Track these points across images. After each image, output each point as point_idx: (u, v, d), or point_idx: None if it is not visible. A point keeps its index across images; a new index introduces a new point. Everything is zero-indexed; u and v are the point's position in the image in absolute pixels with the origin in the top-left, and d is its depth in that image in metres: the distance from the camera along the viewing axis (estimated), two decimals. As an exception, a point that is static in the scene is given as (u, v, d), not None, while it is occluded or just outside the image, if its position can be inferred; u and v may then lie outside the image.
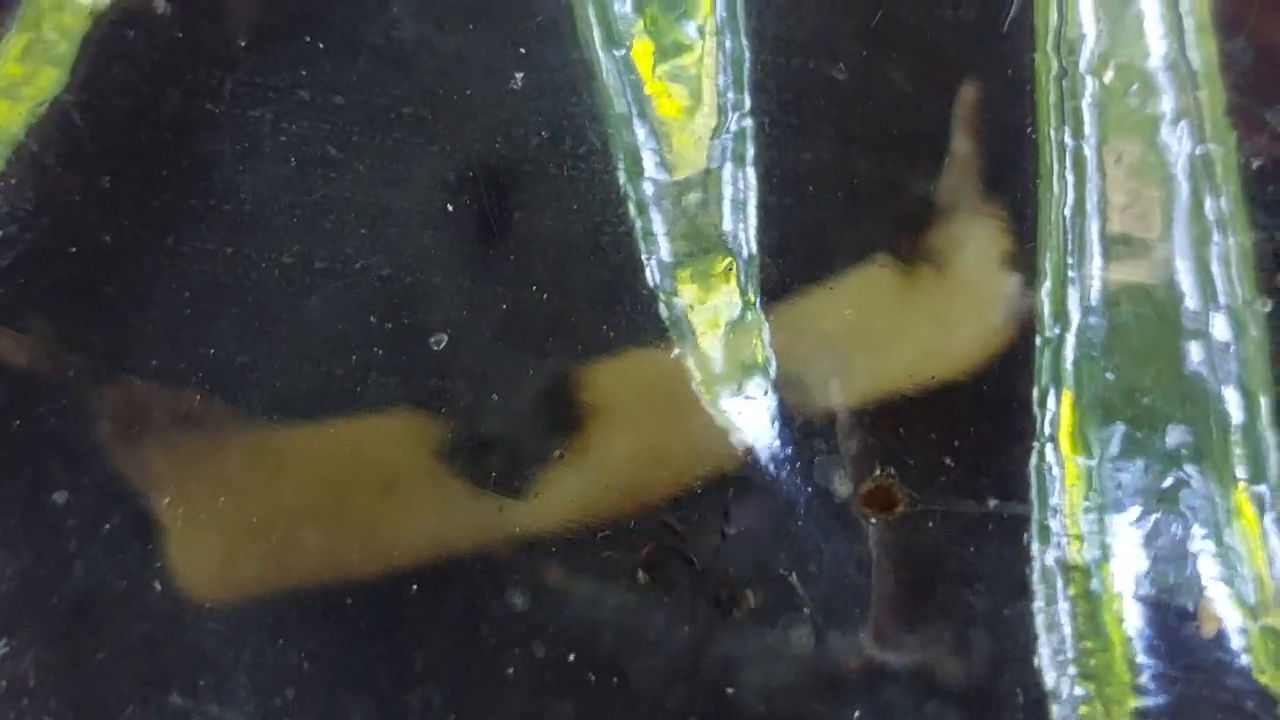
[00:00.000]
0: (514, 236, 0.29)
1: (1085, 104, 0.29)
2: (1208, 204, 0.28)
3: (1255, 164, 0.28)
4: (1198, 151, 0.28)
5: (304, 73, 0.29)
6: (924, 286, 0.29)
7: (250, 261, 0.28)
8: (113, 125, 0.28)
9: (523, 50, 0.29)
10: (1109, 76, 0.29)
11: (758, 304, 0.29)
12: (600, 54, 0.29)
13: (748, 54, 0.29)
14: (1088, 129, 0.29)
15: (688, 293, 0.28)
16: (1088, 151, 0.29)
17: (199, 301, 0.28)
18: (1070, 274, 0.28)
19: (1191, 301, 0.27)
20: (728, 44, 0.29)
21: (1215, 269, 0.27)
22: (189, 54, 0.29)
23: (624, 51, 0.29)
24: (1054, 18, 0.29)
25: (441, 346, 0.28)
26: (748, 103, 0.29)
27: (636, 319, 0.28)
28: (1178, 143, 0.28)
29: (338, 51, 0.29)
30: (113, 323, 0.28)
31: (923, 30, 0.29)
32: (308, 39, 0.29)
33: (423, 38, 0.29)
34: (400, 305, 0.28)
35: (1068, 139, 0.29)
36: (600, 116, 0.29)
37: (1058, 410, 0.27)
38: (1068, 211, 0.28)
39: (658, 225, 0.29)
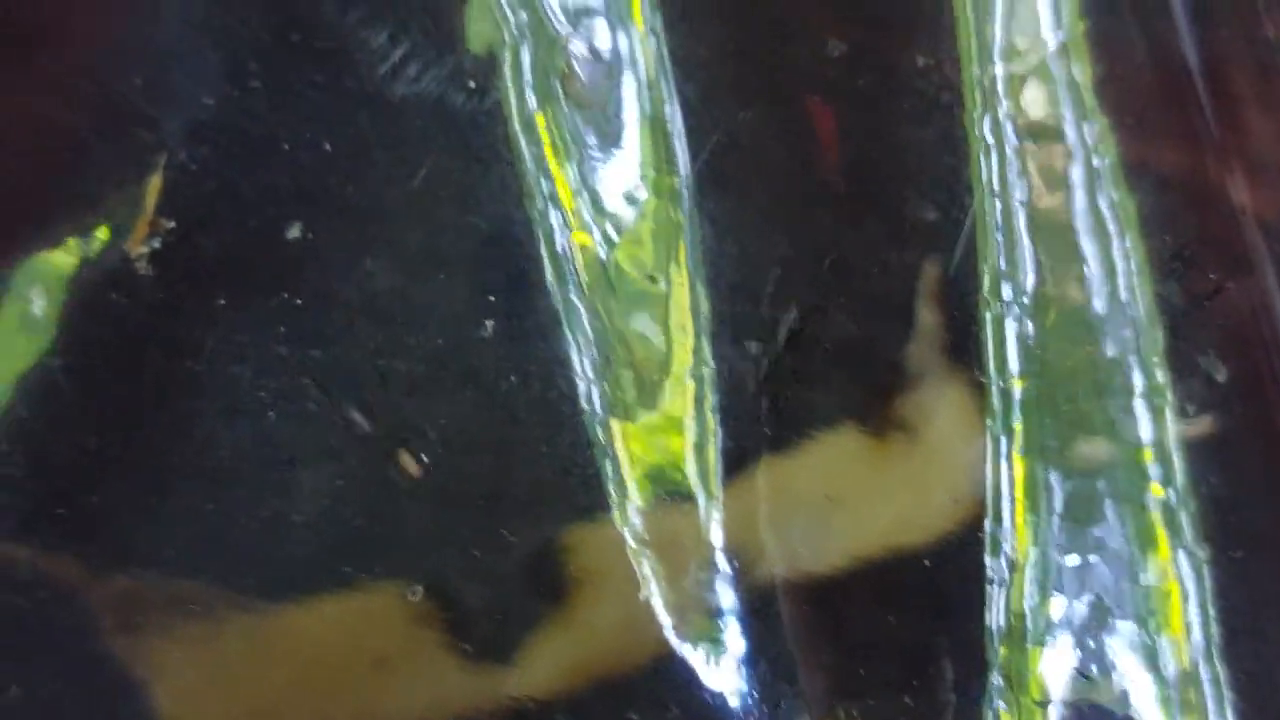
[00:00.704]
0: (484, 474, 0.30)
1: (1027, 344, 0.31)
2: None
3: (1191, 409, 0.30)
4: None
5: (282, 328, 0.30)
6: (894, 454, 0.31)
7: (230, 516, 0.29)
8: (98, 387, 0.29)
9: (493, 299, 0.31)
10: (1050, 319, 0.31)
11: (718, 497, 0.30)
12: (570, 300, 0.31)
13: (705, 303, 0.31)
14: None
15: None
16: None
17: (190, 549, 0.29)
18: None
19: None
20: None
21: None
22: (170, 314, 0.30)
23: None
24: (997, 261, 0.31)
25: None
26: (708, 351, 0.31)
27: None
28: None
29: (314, 306, 0.30)
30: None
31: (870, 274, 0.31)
32: (285, 295, 0.30)
33: (395, 289, 0.30)
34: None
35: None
36: (568, 362, 0.30)
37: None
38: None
39: (626, 468, 0.30)
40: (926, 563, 0.31)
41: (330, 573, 0.29)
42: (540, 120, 0.32)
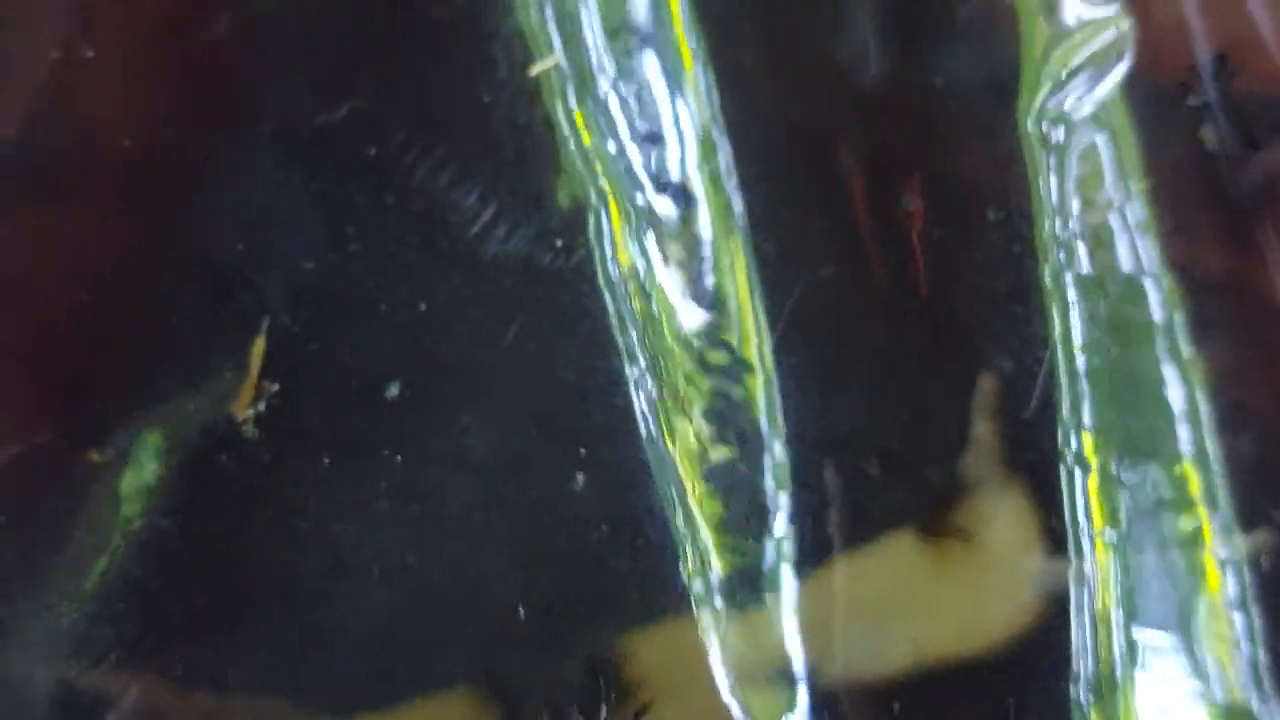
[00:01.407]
0: (578, 625, 0.31)
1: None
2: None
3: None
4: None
5: (383, 485, 0.31)
6: (952, 561, 0.32)
7: (331, 670, 0.30)
8: (207, 546, 0.30)
9: (584, 451, 0.32)
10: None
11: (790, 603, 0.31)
12: (660, 453, 0.32)
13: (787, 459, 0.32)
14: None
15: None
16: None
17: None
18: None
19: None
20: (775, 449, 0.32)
21: None
22: (276, 475, 0.31)
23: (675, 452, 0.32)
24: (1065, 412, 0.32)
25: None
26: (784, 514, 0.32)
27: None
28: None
29: (413, 463, 0.31)
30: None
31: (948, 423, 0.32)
32: (385, 452, 0.31)
33: (490, 444, 0.32)
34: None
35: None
36: (659, 513, 0.32)
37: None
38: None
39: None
40: (987, 670, 0.31)
41: (402, 684, 0.30)
42: (624, 276, 0.33)
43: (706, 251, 0.33)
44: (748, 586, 0.31)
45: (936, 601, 0.32)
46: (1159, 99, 0.34)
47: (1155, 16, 0.34)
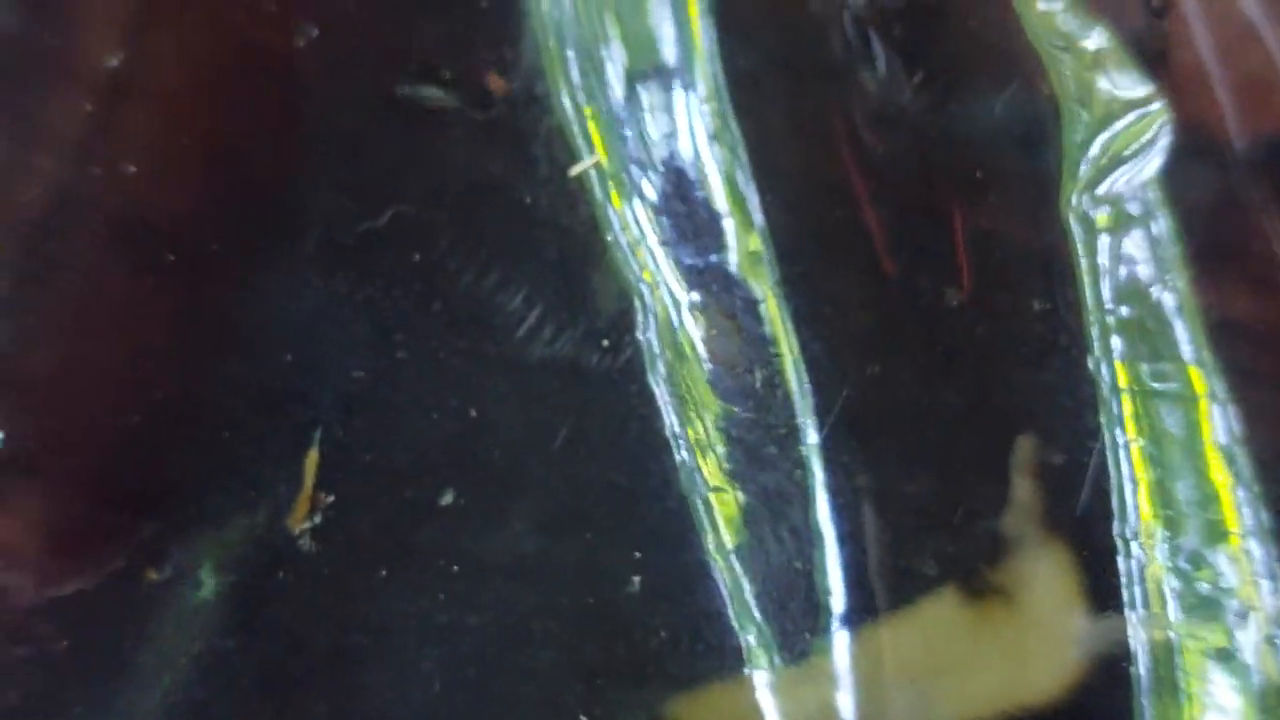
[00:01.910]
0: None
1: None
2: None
3: None
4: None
5: (441, 596, 0.31)
6: (994, 621, 0.32)
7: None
8: (269, 665, 0.30)
9: (638, 555, 0.32)
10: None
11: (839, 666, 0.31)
12: (714, 557, 0.32)
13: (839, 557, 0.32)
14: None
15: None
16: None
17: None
18: None
19: None
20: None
21: None
22: (335, 589, 0.31)
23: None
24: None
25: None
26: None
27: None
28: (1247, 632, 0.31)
29: (469, 573, 0.31)
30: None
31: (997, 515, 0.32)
32: (441, 562, 0.31)
33: (542, 551, 0.32)
34: None
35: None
36: (716, 614, 0.32)
37: None
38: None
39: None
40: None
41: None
42: (673, 374, 0.33)
43: (754, 344, 0.33)
44: (800, 655, 0.31)
45: (980, 661, 0.32)
46: (1196, 175, 0.34)
47: (1188, 92, 0.34)
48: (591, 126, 0.34)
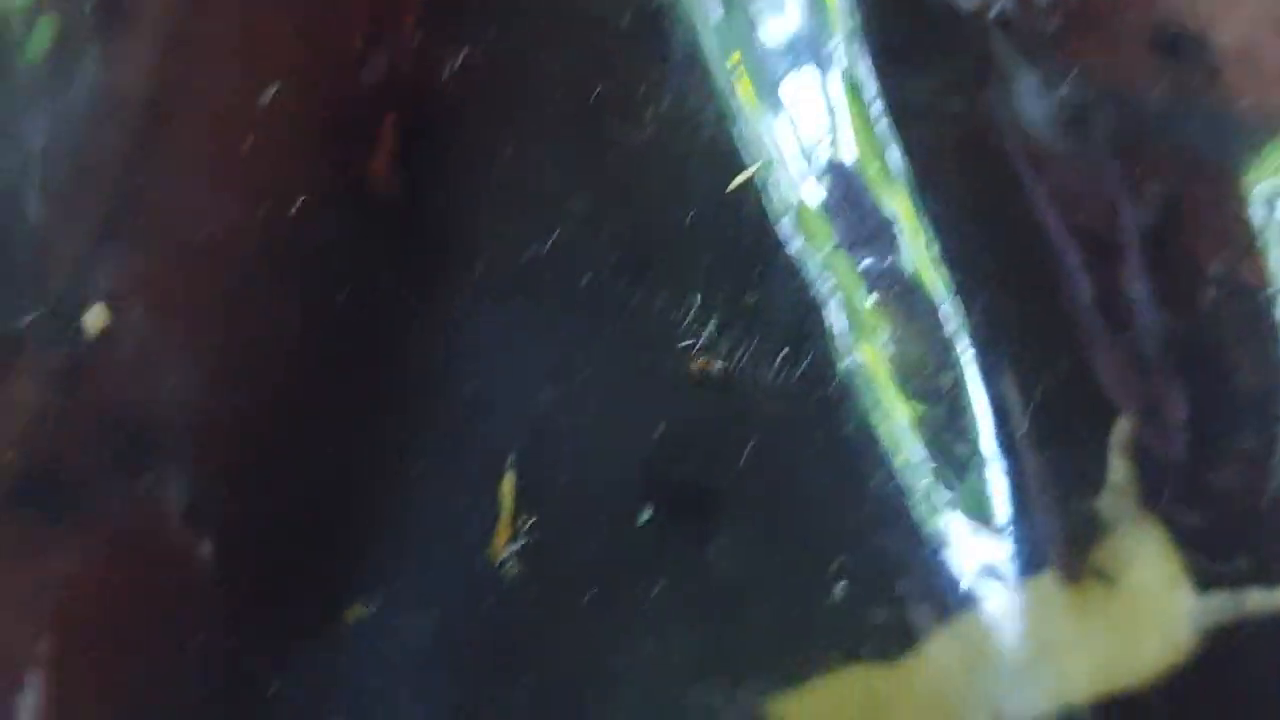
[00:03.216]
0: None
1: None
2: None
3: None
4: None
5: (645, 618, 0.31)
6: (1095, 602, 0.32)
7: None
8: (482, 694, 0.30)
9: (841, 560, 0.32)
10: None
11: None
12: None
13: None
14: None
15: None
16: None
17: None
18: None
19: None
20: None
21: None
22: (540, 616, 0.31)
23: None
24: None
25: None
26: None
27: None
28: None
29: (670, 594, 0.31)
30: None
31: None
32: (643, 583, 0.31)
33: (740, 573, 0.32)
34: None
35: None
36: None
37: None
38: None
39: None
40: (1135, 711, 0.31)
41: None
42: (857, 379, 0.33)
43: (938, 346, 0.33)
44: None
45: (1080, 644, 0.31)
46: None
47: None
48: (753, 131, 0.34)
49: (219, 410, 0.32)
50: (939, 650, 0.31)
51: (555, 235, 0.34)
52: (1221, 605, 0.31)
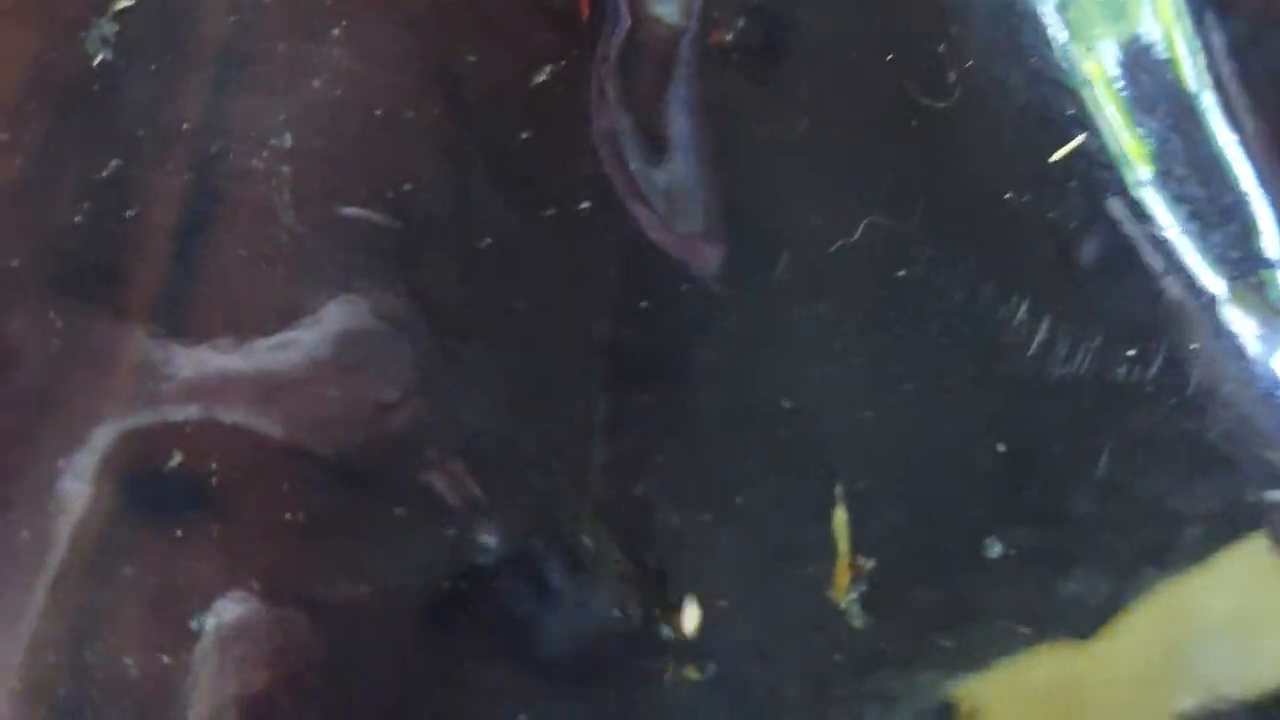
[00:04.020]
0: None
1: None
2: None
3: None
4: None
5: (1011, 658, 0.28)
6: None
7: None
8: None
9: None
10: None
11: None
12: None
13: None
14: None
15: None
16: None
17: None
18: None
19: None
20: None
21: None
22: (897, 663, 0.28)
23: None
24: None
25: None
26: None
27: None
28: None
29: (1036, 635, 0.28)
30: None
31: None
32: (1001, 623, 0.28)
33: (1105, 603, 0.28)
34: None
35: None
36: None
37: None
38: None
39: None
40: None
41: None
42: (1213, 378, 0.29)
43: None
44: None
45: None
46: None
47: None
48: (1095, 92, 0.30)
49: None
50: (1137, 626, 0.28)
51: (864, 224, 0.30)
52: None
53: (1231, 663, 0.28)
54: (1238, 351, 0.29)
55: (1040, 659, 0.28)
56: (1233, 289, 0.29)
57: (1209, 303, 0.29)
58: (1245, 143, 0.30)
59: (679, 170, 0.29)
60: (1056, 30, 0.30)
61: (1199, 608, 0.28)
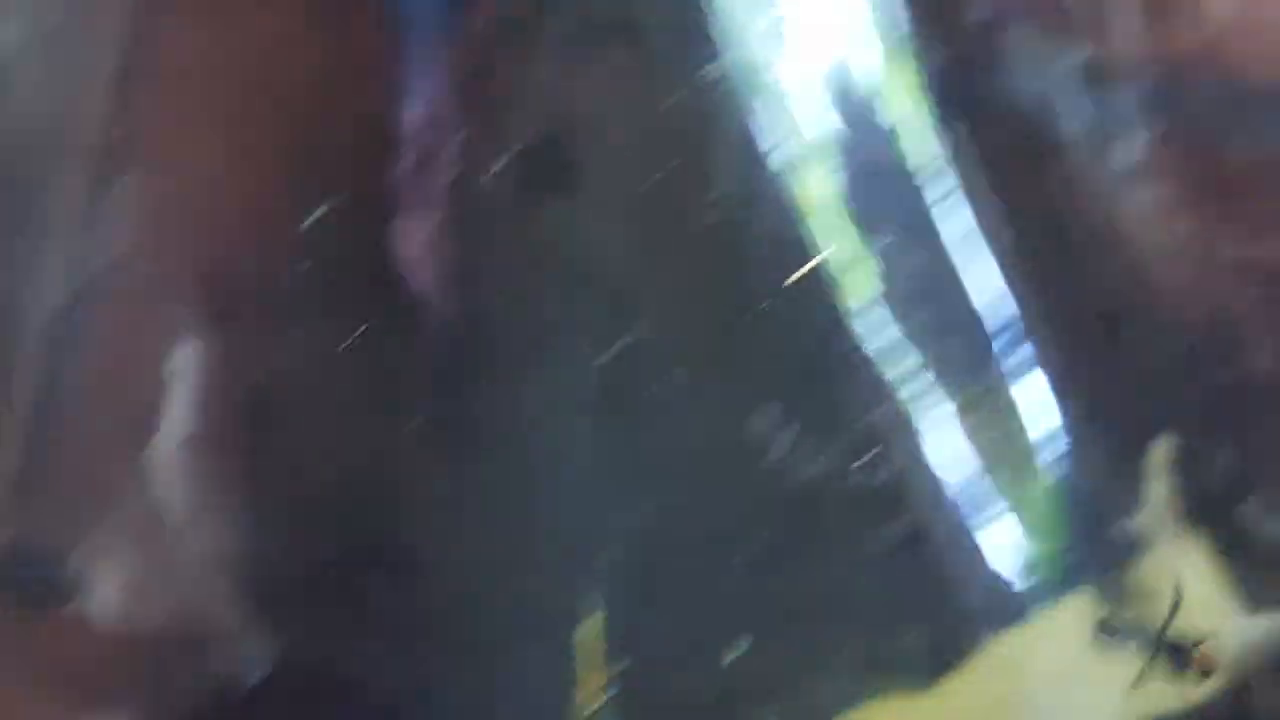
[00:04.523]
0: None
1: None
2: None
3: None
4: None
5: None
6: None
7: None
8: None
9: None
10: None
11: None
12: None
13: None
14: None
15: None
16: None
17: None
18: None
19: None
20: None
21: None
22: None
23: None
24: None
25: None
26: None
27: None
28: None
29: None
30: None
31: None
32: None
33: (840, 698, 0.30)
34: None
35: None
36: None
37: None
38: None
39: None
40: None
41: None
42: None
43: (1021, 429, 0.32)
44: None
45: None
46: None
47: None
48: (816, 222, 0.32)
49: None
50: (977, 675, 0.30)
51: (621, 341, 0.31)
52: (1270, 626, 0.31)
53: (1065, 714, 0.30)
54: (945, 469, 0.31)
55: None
56: (963, 402, 0.32)
57: (935, 417, 0.32)
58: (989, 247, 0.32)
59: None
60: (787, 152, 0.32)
61: (1026, 661, 0.30)
